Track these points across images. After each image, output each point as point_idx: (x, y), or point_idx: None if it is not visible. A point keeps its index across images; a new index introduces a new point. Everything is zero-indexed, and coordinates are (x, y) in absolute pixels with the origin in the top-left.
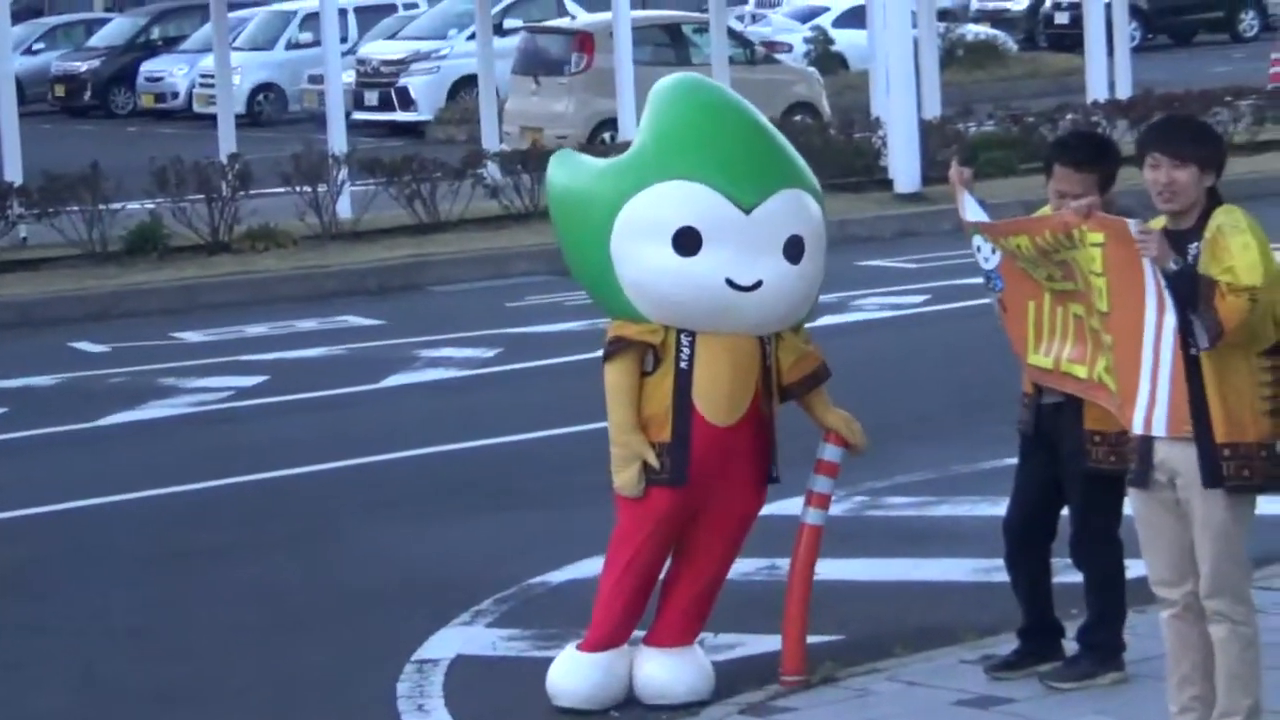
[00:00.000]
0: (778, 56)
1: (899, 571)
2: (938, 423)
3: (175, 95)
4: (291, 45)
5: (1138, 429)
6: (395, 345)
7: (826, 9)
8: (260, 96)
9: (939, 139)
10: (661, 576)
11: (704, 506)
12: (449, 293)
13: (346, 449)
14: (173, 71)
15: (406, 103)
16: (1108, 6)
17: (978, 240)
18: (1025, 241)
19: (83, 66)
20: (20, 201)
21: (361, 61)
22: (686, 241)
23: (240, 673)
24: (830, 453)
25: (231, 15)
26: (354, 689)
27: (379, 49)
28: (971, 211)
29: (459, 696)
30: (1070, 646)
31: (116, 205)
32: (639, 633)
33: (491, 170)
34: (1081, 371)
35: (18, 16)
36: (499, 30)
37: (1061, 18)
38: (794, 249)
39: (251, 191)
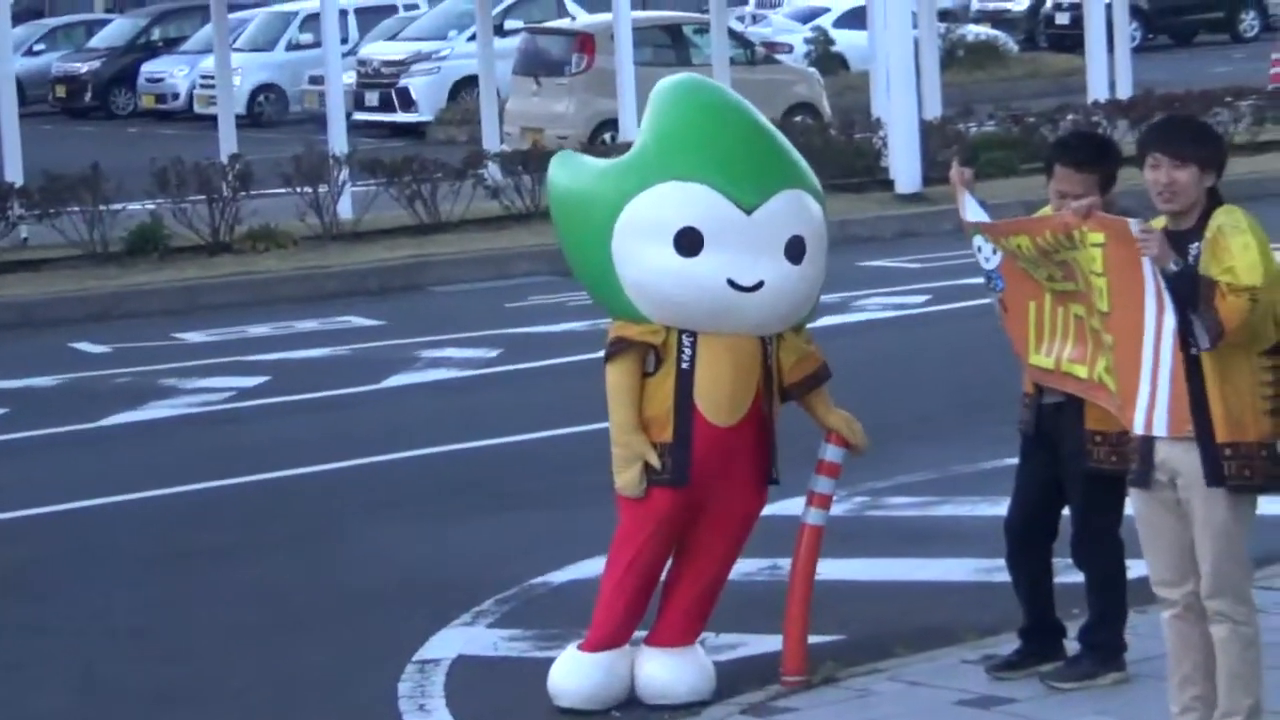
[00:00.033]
0: (778, 57)
1: (900, 571)
2: (939, 423)
3: (176, 96)
4: (292, 46)
5: (1138, 429)
6: (396, 346)
7: (827, 9)
8: (261, 97)
9: (940, 139)
10: (663, 577)
11: (705, 507)
12: (450, 293)
13: (348, 449)
14: (173, 72)
15: (407, 103)
16: (1108, 7)
17: (978, 240)
18: (1026, 241)
19: (83, 67)
20: (21, 202)
21: (362, 62)
22: (688, 242)
23: (241, 673)
24: (831, 453)
25: (232, 16)
26: (355, 689)
27: (380, 50)
28: (972, 212)
29: (460, 697)
30: (1071, 646)
31: (117, 206)
32: (640, 633)
33: (492, 171)
34: (1082, 372)
35: (18, 17)
36: (499, 31)
37: (1062, 18)
38: (795, 249)
39: (252, 192)
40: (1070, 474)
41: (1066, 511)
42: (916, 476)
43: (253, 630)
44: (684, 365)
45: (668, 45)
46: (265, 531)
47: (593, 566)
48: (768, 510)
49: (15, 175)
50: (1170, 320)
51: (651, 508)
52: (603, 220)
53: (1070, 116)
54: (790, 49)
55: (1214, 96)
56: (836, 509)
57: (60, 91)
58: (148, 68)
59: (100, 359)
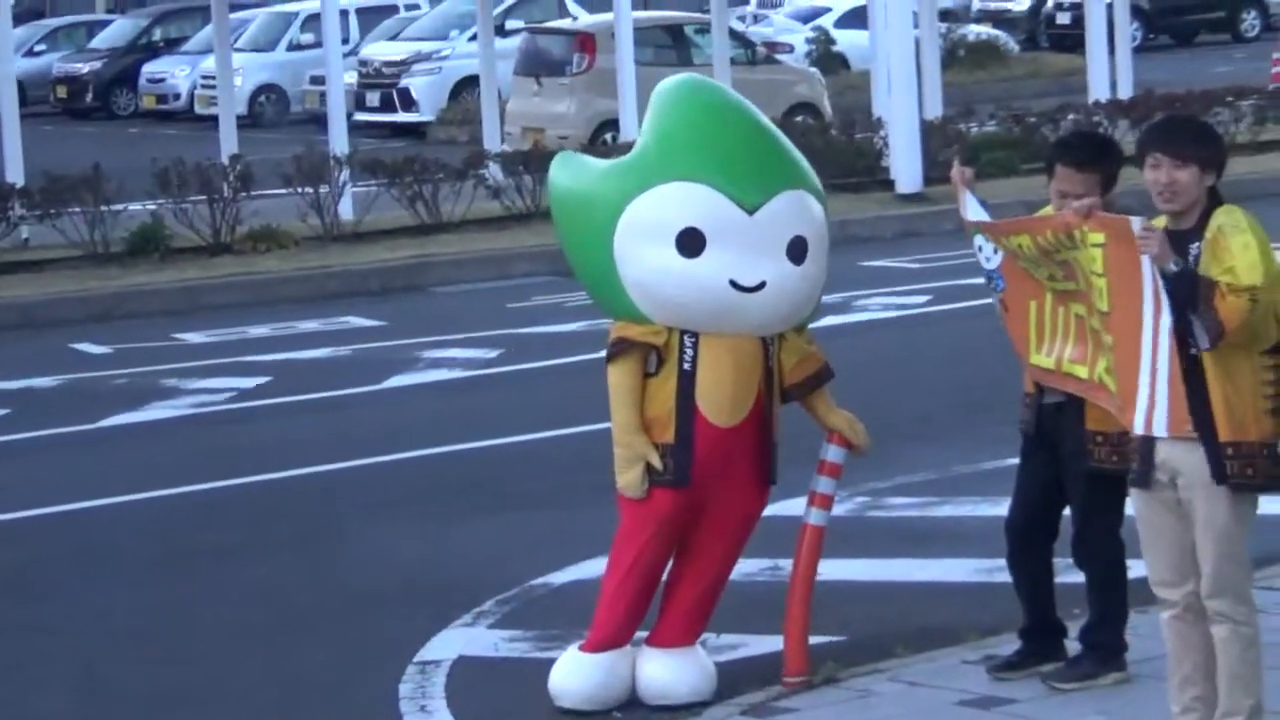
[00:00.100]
0: (779, 57)
1: (901, 572)
2: (940, 423)
3: (177, 96)
4: (293, 46)
5: (1138, 430)
6: (398, 346)
7: (828, 9)
8: (262, 98)
9: (940, 139)
10: (664, 577)
11: (706, 507)
12: (451, 294)
13: (349, 450)
14: (174, 73)
15: (408, 104)
16: (1109, 7)
17: (979, 240)
18: (1027, 241)
19: (84, 68)
20: (22, 203)
21: (363, 62)
22: (690, 242)
23: (243, 674)
24: (833, 454)
25: (233, 16)
26: (356, 690)
27: (380, 50)
28: (973, 211)
29: (461, 697)
30: (1072, 647)
31: (118, 206)
32: (641, 633)
33: (493, 171)
34: (1083, 372)
35: (19, 18)
36: (500, 31)
37: (1063, 18)
38: (797, 250)
39: (253, 192)
40: (1071, 474)
41: (1067, 511)
42: (917, 477)
43: (253, 631)
44: (686, 366)
45: (669, 45)
46: (266, 532)
47: (594, 567)
48: (769, 511)
49: (16, 176)
50: (1167, 320)
51: (653, 508)
52: (604, 221)
53: (1071, 116)
54: (791, 49)
55: (1215, 96)
56: (837, 509)
57: (61, 92)
58: (149, 68)
59: (101, 360)
